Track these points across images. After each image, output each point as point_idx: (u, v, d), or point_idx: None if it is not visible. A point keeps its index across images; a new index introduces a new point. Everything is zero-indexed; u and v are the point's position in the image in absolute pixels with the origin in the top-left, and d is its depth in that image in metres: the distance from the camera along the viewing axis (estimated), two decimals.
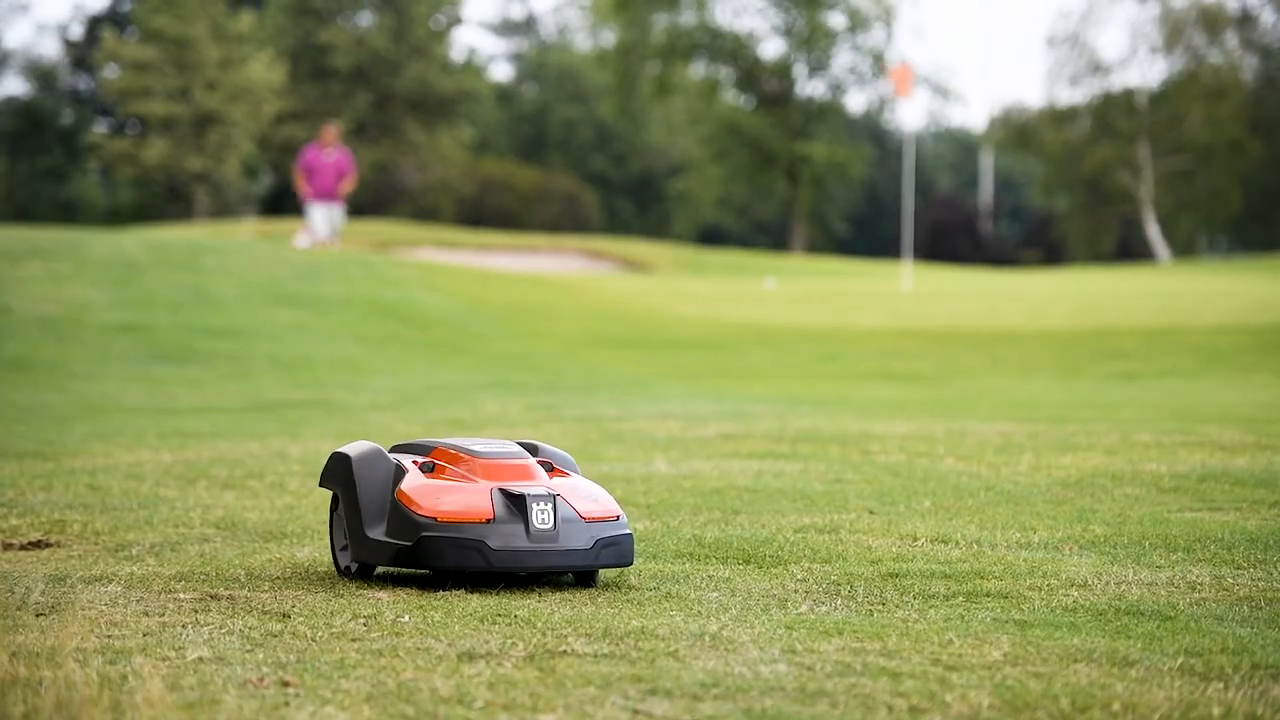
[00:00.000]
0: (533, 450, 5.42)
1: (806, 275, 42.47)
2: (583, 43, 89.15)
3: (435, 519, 5.04)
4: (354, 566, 5.27)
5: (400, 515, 5.10)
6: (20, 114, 73.91)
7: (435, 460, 5.27)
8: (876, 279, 39.87)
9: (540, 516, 5.03)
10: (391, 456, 5.31)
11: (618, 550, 5.13)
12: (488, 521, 5.03)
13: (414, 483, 5.16)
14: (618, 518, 5.18)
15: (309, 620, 4.63)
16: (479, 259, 43.61)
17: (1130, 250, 68.99)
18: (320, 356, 19.35)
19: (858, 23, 69.45)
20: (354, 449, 5.30)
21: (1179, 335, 22.71)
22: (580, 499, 5.16)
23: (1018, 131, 68.85)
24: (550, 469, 5.33)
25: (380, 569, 5.37)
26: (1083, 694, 3.76)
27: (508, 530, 5.02)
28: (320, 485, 5.49)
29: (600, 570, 5.20)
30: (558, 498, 5.09)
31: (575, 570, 5.12)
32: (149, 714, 3.53)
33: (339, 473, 5.30)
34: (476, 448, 5.24)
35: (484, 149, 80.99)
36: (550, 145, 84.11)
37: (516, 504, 5.06)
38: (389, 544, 5.11)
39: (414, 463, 5.28)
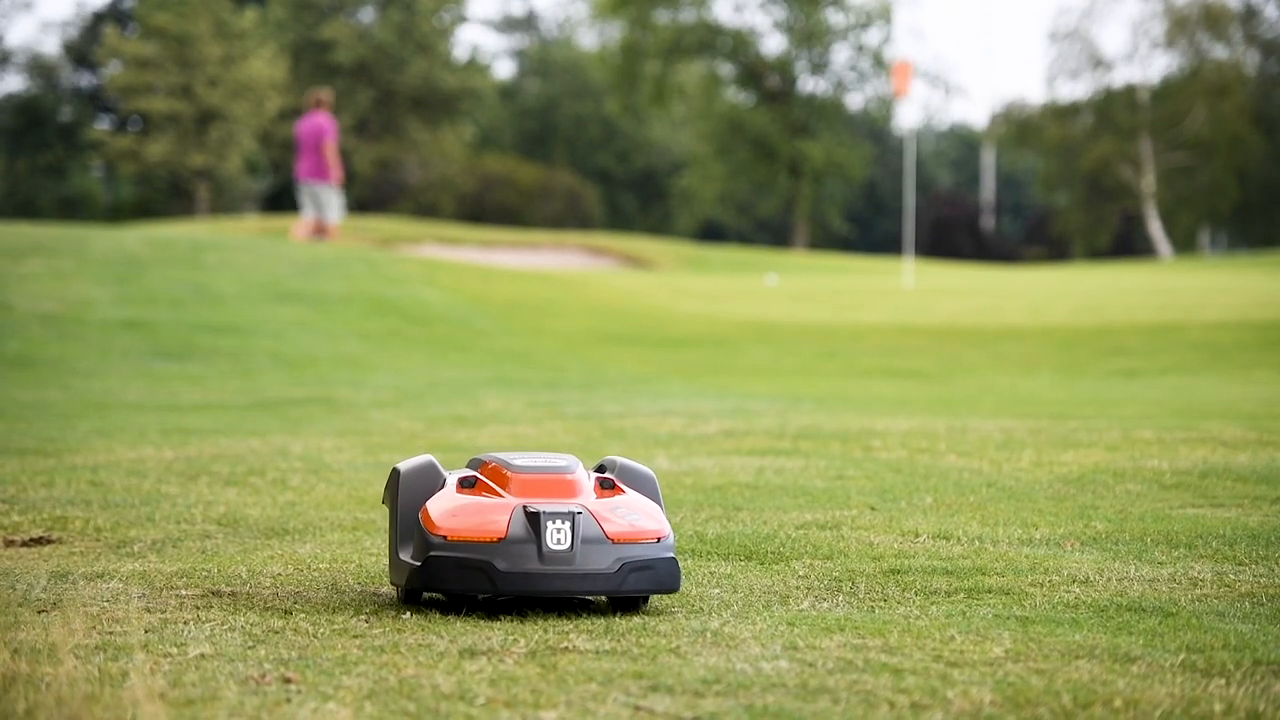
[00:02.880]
0: (610, 466, 5.00)
1: (808, 272, 42.48)
2: (585, 38, 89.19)
3: (445, 538, 4.65)
4: (400, 591, 4.88)
5: (419, 534, 4.73)
6: (21, 110, 73.93)
7: (478, 475, 4.88)
8: (878, 276, 39.88)
9: (555, 536, 4.59)
10: (444, 472, 4.93)
11: (651, 575, 4.66)
12: (498, 541, 4.60)
13: (438, 500, 4.79)
14: (659, 539, 4.71)
15: (310, 617, 4.63)
16: (481, 255, 43.62)
17: (1132, 246, 69.01)
18: (322, 353, 19.35)
19: (857, 20, 69.46)
20: (406, 463, 4.94)
21: (1180, 332, 22.71)
22: (614, 518, 4.70)
23: (1019, 127, 68.89)
24: (612, 485, 4.87)
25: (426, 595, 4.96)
26: (1084, 690, 3.76)
27: (518, 551, 4.59)
28: (382, 502, 5.17)
29: (645, 596, 4.73)
30: (580, 515, 4.63)
31: (598, 595, 4.66)
32: (150, 711, 3.53)
33: (391, 487, 4.97)
34: (517, 461, 4.82)
35: (486, 145, 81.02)
36: (552, 141, 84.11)
37: (533, 523, 4.63)
38: (407, 565, 4.76)
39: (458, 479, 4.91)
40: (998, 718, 3.57)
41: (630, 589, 4.65)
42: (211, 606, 4.79)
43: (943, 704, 3.66)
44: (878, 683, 3.83)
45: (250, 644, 4.27)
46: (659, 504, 4.93)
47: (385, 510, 6.87)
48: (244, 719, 3.55)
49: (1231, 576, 5.20)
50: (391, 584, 4.97)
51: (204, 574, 5.33)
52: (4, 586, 5.06)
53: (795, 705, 3.65)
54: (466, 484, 4.84)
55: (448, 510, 4.72)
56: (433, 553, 4.64)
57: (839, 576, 5.23)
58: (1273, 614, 4.64)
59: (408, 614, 4.68)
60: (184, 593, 5.01)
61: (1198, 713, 3.61)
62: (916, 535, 5.99)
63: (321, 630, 4.45)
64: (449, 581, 4.63)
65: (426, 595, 4.91)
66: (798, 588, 5.07)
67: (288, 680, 3.87)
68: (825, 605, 4.80)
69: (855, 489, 7.32)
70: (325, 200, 27.79)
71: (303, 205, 28.22)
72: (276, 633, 4.42)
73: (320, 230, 28.52)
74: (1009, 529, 6.14)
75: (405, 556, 4.79)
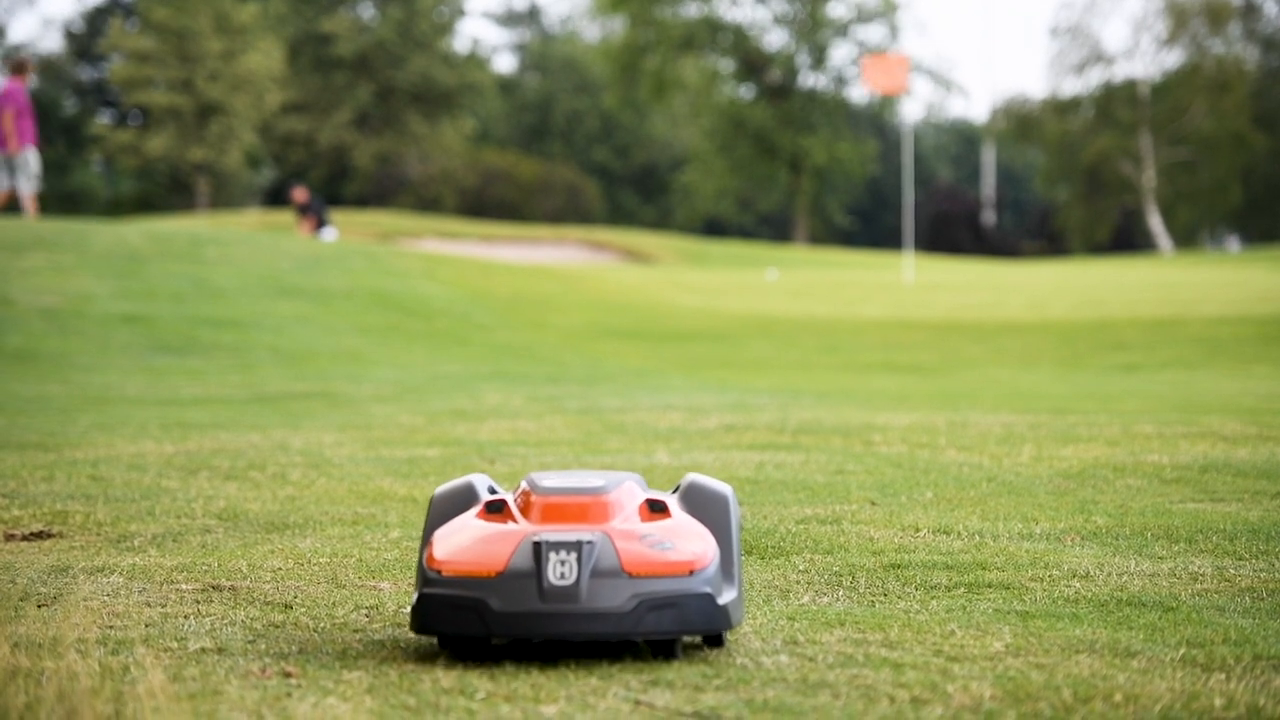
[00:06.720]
0: (684, 484, 4.34)
1: (808, 266, 42.48)
2: (587, 32, 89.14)
3: (439, 573, 4.00)
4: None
5: (420, 568, 4.12)
6: None
7: (505, 499, 4.22)
8: (878, 270, 39.88)
9: (558, 570, 3.90)
10: (483, 495, 4.29)
11: (676, 614, 3.93)
12: (495, 576, 3.93)
13: (447, 529, 4.15)
14: (690, 572, 3.96)
15: (311, 611, 4.63)
16: (481, 250, 43.62)
17: (1132, 241, 69.01)
18: (322, 347, 19.35)
19: (858, 14, 69.43)
20: (444, 485, 4.36)
21: (1180, 326, 22.72)
22: (637, 547, 3.97)
23: (1020, 122, 68.91)
24: (662, 508, 4.16)
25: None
26: (1085, 685, 3.76)
27: (515, 588, 3.90)
28: None
29: (693, 637, 4.09)
30: (589, 545, 3.91)
31: (611, 638, 3.94)
32: (150, 705, 3.53)
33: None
34: (546, 482, 4.14)
35: (486, 140, 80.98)
36: (553, 136, 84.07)
37: (537, 554, 3.94)
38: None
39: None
40: (998, 712, 3.57)
41: (648, 630, 3.93)
42: (212, 601, 4.79)
43: (943, 698, 3.66)
44: (878, 677, 3.83)
45: (251, 638, 4.27)
46: (729, 529, 4.22)
47: (385, 505, 6.86)
48: (245, 713, 3.55)
49: (1232, 571, 5.20)
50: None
51: (204, 568, 5.32)
52: (4, 581, 5.06)
53: (795, 700, 3.65)
54: (493, 509, 4.18)
55: (450, 541, 4.08)
56: (425, 590, 4.02)
57: (839, 571, 5.23)
58: (1273, 609, 4.64)
59: (408, 608, 4.68)
60: (184, 587, 5.01)
61: (1198, 707, 3.61)
62: (917, 530, 5.99)
63: (322, 624, 4.45)
64: (442, 623, 3.98)
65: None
66: (798, 582, 5.07)
67: (288, 674, 3.87)
68: (825, 600, 4.80)
69: (855, 484, 7.32)
70: (24, 170, 25.47)
71: None
72: (277, 627, 4.42)
73: (18, 203, 26.21)
74: (1009, 524, 6.14)
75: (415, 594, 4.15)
